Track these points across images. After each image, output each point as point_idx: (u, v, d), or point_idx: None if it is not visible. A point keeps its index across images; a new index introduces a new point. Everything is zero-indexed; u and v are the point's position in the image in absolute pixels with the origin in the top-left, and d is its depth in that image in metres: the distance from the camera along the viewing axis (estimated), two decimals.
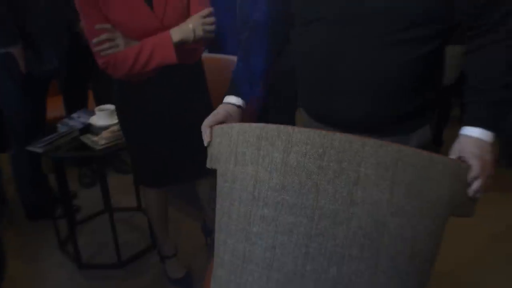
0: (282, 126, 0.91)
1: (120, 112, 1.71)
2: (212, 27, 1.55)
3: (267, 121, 1.00)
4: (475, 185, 0.92)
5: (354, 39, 1.05)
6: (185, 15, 1.53)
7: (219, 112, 1.12)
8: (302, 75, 1.21)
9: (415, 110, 1.12)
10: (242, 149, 0.96)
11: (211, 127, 1.08)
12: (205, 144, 1.10)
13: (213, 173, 1.70)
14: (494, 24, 1.00)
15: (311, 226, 0.87)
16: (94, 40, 1.44)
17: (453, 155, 1.00)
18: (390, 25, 1.01)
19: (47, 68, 2.10)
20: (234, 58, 2.57)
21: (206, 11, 1.54)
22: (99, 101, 2.73)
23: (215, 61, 2.68)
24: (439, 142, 3.24)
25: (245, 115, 1.24)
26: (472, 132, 1.00)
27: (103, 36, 1.43)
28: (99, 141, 1.85)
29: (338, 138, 0.87)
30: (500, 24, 1.00)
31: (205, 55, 2.73)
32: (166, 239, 1.97)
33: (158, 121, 1.64)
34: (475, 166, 0.93)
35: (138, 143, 1.70)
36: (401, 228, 0.86)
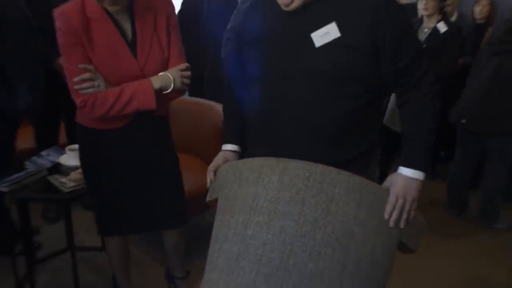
0: (280, 158, 1.19)
1: (82, 157, 1.69)
2: (188, 81, 1.61)
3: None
4: (393, 216, 1.15)
5: (293, 94, 1.22)
6: (164, 67, 1.58)
7: (219, 159, 1.36)
8: (249, 128, 1.38)
9: (359, 154, 1.29)
10: (246, 174, 1.22)
11: (214, 170, 1.32)
12: (208, 185, 1.33)
13: (182, 224, 1.73)
14: (415, 83, 1.22)
15: (296, 228, 1.12)
16: (76, 79, 1.45)
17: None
18: (324, 82, 1.19)
19: (21, 108, 2.09)
20: (213, 103, 2.65)
21: (184, 65, 1.60)
22: (70, 135, 2.72)
23: (196, 105, 2.74)
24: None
25: None
26: (404, 171, 1.22)
27: (85, 75, 1.45)
28: (67, 183, 1.84)
29: (321, 167, 1.15)
30: (420, 83, 1.22)
31: (187, 98, 2.79)
32: (128, 284, 1.94)
33: (122, 170, 1.63)
34: (390, 202, 1.16)
35: (100, 190, 1.68)
36: (364, 238, 1.12)
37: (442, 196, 3.22)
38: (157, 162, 1.66)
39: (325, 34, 1.17)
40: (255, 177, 1.20)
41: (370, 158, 1.32)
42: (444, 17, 3.14)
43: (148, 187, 1.67)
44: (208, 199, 1.36)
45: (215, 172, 1.33)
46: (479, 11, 3.66)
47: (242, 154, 1.43)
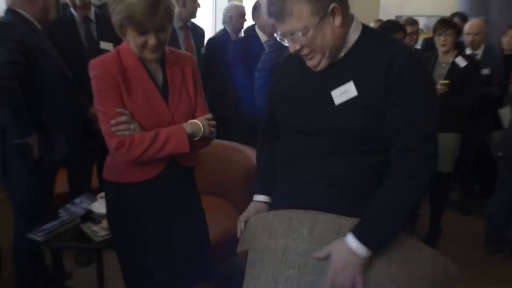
0: (309, 211, 1.21)
1: (109, 213, 1.72)
2: (215, 129, 1.66)
3: None
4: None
5: (314, 149, 1.25)
6: (191, 116, 1.64)
7: (250, 211, 1.41)
8: (278, 175, 1.40)
9: None
10: (275, 227, 1.24)
11: (245, 221, 1.37)
12: (238, 235, 1.39)
13: (209, 278, 1.73)
14: (403, 152, 1.15)
15: (327, 283, 1.14)
16: (113, 121, 1.49)
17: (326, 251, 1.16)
18: (343, 139, 1.21)
19: (59, 157, 2.17)
20: (240, 145, 2.68)
21: (210, 115, 1.66)
22: (102, 179, 2.79)
23: (224, 147, 2.76)
24: (437, 231, 3.24)
25: None
26: (349, 240, 1.14)
27: (122, 118, 1.49)
28: (99, 232, 1.88)
29: (351, 220, 1.16)
30: (407, 155, 1.15)
31: (214, 140, 2.82)
32: None
33: (149, 225, 1.64)
34: (329, 280, 1.14)
35: (126, 245, 1.69)
36: None
37: (476, 232, 3.11)
38: (184, 216, 1.68)
39: (343, 93, 1.20)
40: (284, 230, 1.22)
41: None
42: (460, 52, 3.17)
43: (175, 242, 1.67)
44: (238, 250, 1.39)
45: (245, 222, 1.37)
46: (507, 42, 3.63)
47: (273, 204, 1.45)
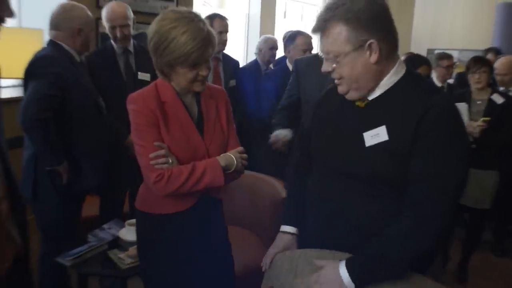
0: (334, 251, 1.24)
1: (140, 242, 1.74)
2: (246, 162, 1.68)
3: None
4: None
5: (343, 185, 1.26)
6: (224, 149, 1.67)
7: (278, 246, 1.43)
8: (307, 208, 1.43)
9: None
10: (301, 266, 1.28)
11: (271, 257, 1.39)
12: (263, 269, 1.41)
13: None
14: (416, 202, 1.15)
15: None
16: (152, 155, 1.51)
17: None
18: (369, 180, 1.21)
19: (86, 187, 2.24)
20: (269, 177, 2.68)
21: (241, 148, 1.68)
22: (133, 206, 2.84)
23: (253, 178, 2.75)
24: (464, 271, 3.11)
25: None
26: (341, 267, 1.16)
27: (161, 152, 1.52)
28: (125, 259, 1.90)
29: None
30: (420, 207, 1.14)
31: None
32: None
33: (178, 255, 1.65)
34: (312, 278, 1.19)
35: (154, 275, 1.69)
36: None
37: (509, 275, 2.97)
38: (211, 249, 1.68)
39: (375, 136, 1.21)
40: (310, 270, 1.24)
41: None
42: (495, 89, 3.14)
43: (200, 273, 1.67)
44: (263, 286, 1.42)
45: (272, 258, 1.39)
46: None
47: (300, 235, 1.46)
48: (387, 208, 1.20)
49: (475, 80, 3.05)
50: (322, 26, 1.21)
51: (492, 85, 3.16)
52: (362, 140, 1.23)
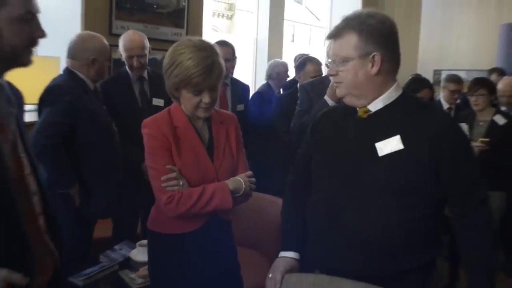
0: (334, 277, 1.25)
1: (151, 262, 1.78)
2: (254, 186, 1.72)
3: None
4: None
5: (351, 201, 1.28)
6: (233, 173, 1.71)
7: (281, 271, 1.40)
8: (310, 230, 1.43)
9: (416, 267, 1.27)
10: None
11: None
12: None
13: None
14: (472, 211, 1.27)
15: None
16: (163, 178, 1.58)
17: None
18: (382, 192, 1.25)
19: (96, 211, 2.30)
20: (274, 198, 2.71)
21: (250, 173, 1.73)
22: (145, 228, 2.89)
23: (258, 199, 2.78)
24: None
25: None
26: None
27: (172, 175, 1.58)
28: (136, 279, 1.94)
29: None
30: (476, 211, 1.27)
31: None
32: None
33: (188, 275, 1.68)
34: None
35: None
36: None
37: None
38: (220, 269, 1.71)
39: (388, 145, 1.26)
40: None
41: (428, 271, 1.30)
42: (499, 110, 3.17)
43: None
44: None
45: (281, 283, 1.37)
46: None
47: (301, 261, 1.44)
48: (405, 218, 1.24)
49: (473, 102, 3.12)
50: (337, 32, 1.32)
51: (496, 106, 3.19)
52: (374, 150, 1.27)
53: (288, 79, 4.30)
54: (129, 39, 2.69)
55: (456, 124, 1.34)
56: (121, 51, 2.71)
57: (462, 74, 5.73)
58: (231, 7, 20.73)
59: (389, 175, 1.23)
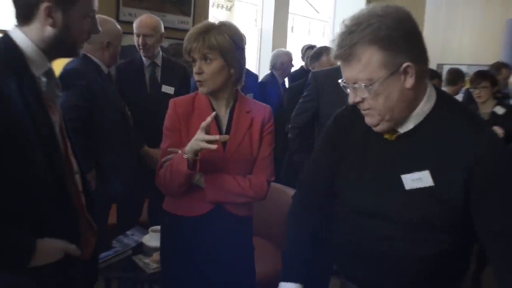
0: None
1: (162, 241, 1.80)
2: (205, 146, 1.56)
3: None
4: None
5: (374, 231, 1.16)
6: (250, 166, 1.68)
7: None
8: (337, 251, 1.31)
9: None
10: None
11: None
12: None
13: None
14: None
15: None
16: (163, 159, 1.60)
17: None
18: (407, 226, 1.11)
19: (111, 195, 2.30)
20: (288, 188, 2.72)
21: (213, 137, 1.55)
22: (152, 214, 2.90)
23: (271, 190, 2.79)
24: (477, 282, 3.11)
25: None
26: None
27: (170, 156, 1.58)
28: (150, 264, 1.96)
29: None
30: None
31: None
32: None
33: (199, 259, 1.68)
34: None
35: (174, 273, 1.74)
36: None
37: None
38: (231, 260, 1.70)
39: (416, 180, 1.09)
40: None
41: None
42: (500, 101, 3.23)
43: (222, 280, 1.70)
44: None
45: None
46: None
47: None
48: (429, 252, 1.11)
49: (476, 95, 3.20)
50: (348, 52, 1.04)
51: (498, 98, 3.25)
52: (400, 182, 1.11)
53: (293, 69, 4.31)
54: (140, 19, 2.77)
55: (499, 147, 1.07)
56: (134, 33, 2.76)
57: (464, 69, 5.77)
58: None
59: (415, 211, 1.09)
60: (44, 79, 1.17)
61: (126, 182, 2.39)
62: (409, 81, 1.05)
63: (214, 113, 1.50)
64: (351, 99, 1.12)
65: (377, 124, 1.11)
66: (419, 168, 1.08)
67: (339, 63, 1.12)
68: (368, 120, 1.12)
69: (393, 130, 1.13)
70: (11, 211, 1.08)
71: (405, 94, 1.06)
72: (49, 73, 1.21)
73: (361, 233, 1.18)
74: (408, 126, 1.11)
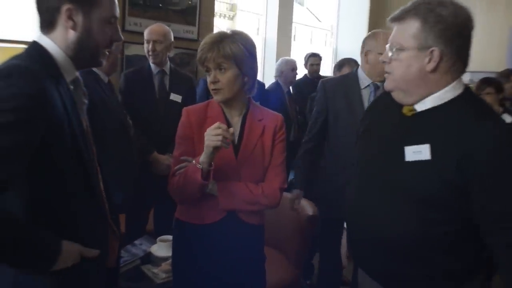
0: None
1: (174, 249, 1.77)
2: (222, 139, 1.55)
3: None
4: None
5: (375, 200, 1.25)
6: (262, 173, 1.67)
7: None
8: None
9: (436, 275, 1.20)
10: None
11: None
12: None
13: None
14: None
15: None
16: (175, 168, 1.60)
17: None
18: (402, 197, 1.19)
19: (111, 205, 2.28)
20: (286, 194, 2.70)
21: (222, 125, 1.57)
22: (158, 223, 2.88)
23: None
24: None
25: None
26: None
27: (183, 165, 1.58)
28: (159, 274, 1.93)
29: None
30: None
31: None
32: None
33: (210, 267, 1.67)
34: None
35: (186, 283, 1.73)
36: None
37: None
38: (241, 270, 1.69)
39: (417, 152, 1.17)
40: None
41: (463, 280, 1.23)
42: (506, 109, 3.22)
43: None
44: None
45: None
46: None
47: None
48: (425, 229, 1.17)
49: None
50: (401, 15, 1.20)
51: (506, 106, 3.22)
52: (402, 153, 1.20)
53: (298, 76, 4.32)
54: (150, 27, 2.81)
55: (506, 148, 1.11)
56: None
57: (468, 75, 5.76)
58: (232, 7, 20.77)
59: (411, 183, 1.17)
60: (71, 87, 1.18)
61: (126, 193, 2.37)
62: (430, 65, 1.16)
63: (231, 129, 1.50)
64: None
65: (392, 90, 1.26)
66: (421, 141, 1.17)
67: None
68: (386, 84, 1.28)
69: (411, 107, 1.24)
70: (42, 213, 1.07)
71: (423, 75, 1.18)
72: (76, 81, 1.22)
73: (363, 200, 1.29)
74: (426, 105, 1.21)
